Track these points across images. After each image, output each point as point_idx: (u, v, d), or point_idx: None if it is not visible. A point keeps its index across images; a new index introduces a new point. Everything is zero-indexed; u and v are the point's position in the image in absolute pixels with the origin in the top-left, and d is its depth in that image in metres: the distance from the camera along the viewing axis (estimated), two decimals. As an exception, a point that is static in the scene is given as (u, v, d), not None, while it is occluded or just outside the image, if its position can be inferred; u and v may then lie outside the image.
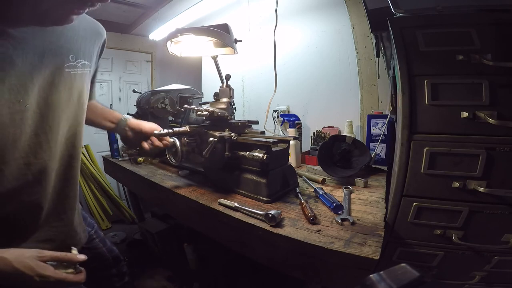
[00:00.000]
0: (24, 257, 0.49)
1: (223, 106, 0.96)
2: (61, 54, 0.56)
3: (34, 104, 0.53)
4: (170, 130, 0.82)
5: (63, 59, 0.57)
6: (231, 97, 0.99)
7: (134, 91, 1.64)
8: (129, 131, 0.84)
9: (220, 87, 0.98)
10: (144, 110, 1.35)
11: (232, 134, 0.82)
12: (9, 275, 0.47)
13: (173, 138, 0.85)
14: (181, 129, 0.85)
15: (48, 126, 0.56)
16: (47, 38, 0.53)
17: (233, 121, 0.96)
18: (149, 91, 1.42)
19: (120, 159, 1.46)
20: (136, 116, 1.45)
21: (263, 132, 0.94)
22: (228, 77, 0.97)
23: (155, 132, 0.81)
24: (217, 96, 1.00)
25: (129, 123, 0.84)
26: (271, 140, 0.81)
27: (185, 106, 0.91)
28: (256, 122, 1.02)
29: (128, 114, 1.52)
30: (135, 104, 1.42)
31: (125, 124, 0.84)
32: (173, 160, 0.89)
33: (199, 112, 0.85)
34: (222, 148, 0.82)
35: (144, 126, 0.84)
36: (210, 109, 0.88)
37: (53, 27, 0.53)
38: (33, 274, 0.49)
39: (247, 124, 0.98)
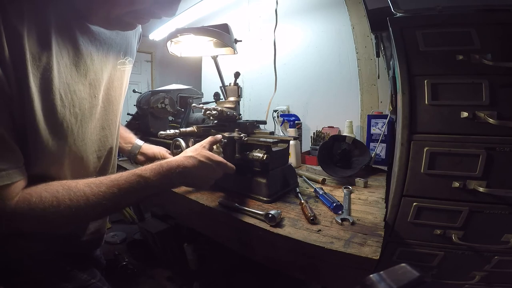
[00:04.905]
0: (195, 149, 0.60)
1: (231, 105, 0.92)
2: (117, 51, 0.59)
3: (100, 98, 0.56)
4: (176, 131, 0.79)
5: (117, 56, 0.59)
6: (239, 96, 0.94)
7: (134, 91, 1.63)
8: (141, 156, 0.87)
9: (228, 85, 0.95)
10: (144, 110, 1.35)
11: (242, 135, 0.80)
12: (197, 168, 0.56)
13: (179, 139, 0.84)
14: (188, 129, 0.82)
15: (110, 119, 0.60)
16: (112, 35, 0.56)
17: (241, 121, 0.93)
18: (149, 91, 1.42)
19: (120, 159, 1.46)
20: (136, 116, 1.45)
21: (272, 133, 0.91)
22: (237, 74, 0.93)
23: (161, 132, 0.77)
24: (217, 96, 0.99)
25: (143, 147, 0.87)
26: (271, 140, 0.81)
27: (194, 105, 0.88)
28: (264, 122, 1.00)
29: (128, 114, 1.53)
30: (135, 104, 1.42)
31: (139, 149, 0.86)
32: None
33: (208, 112, 0.83)
34: (231, 150, 0.81)
35: (155, 150, 0.87)
36: (219, 108, 0.85)
37: None
38: (211, 162, 0.58)
39: (255, 124, 0.95)
